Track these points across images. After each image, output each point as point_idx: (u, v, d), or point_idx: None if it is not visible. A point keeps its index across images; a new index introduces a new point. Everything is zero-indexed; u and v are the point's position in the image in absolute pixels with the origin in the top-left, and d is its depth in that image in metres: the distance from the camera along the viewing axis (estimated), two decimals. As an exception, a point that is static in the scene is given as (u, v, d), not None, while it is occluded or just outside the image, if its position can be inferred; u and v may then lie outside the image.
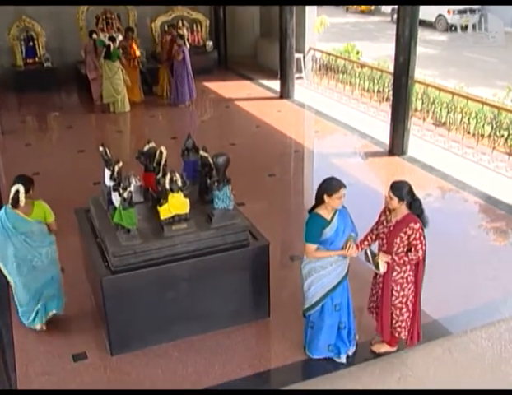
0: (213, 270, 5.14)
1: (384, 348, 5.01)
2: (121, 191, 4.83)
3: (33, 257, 5.10)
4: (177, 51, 12.20)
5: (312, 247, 4.58)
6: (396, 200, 4.47)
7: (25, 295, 5.22)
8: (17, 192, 4.93)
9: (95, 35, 12.72)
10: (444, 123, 10.41)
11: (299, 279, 4.84)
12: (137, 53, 13.03)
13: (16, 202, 4.95)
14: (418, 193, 4.61)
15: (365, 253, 4.69)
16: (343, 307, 4.82)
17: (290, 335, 5.25)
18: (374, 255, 4.63)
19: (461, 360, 4.98)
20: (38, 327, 5.38)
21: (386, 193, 4.57)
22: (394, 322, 4.80)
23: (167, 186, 4.88)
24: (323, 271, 4.63)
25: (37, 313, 5.30)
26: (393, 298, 4.71)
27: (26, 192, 4.98)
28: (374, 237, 4.78)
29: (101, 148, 5.47)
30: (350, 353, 4.98)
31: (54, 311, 5.39)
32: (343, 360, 4.93)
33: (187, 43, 12.70)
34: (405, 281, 4.66)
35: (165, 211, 4.95)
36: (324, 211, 4.54)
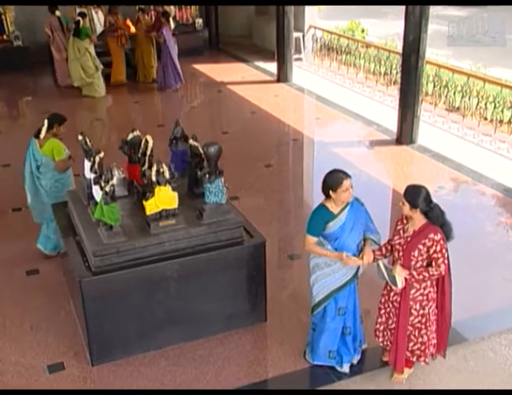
0: (204, 270, 5.14)
1: (405, 373, 4.82)
2: (103, 184, 4.82)
3: (35, 182, 6.29)
4: (157, 34, 12.17)
5: (311, 239, 4.60)
6: (407, 206, 4.32)
7: (36, 218, 6.46)
8: (43, 125, 6.15)
9: (58, 12, 12.64)
10: (459, 109, 10.44)
11: (298, 279, 4.86)
12: (132, 29, 12.99)
13: (37, 133, 6.20)
14: (429, 186, 4.53)
15: (377, 265, 4.56)
16: (349, 311, 4.82)
17: (289, 340, 5.26)
18: (389, 269, 4.48)
19: (478, 369, 5.00)
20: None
21: (400, 202, 4.42)
22: (412, 344, 4.65)
23: (153, 178, 4.87)
24: (326, 269, 4.64)
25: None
26: (412, 317, 4.56)
27: (49, 128, 6.16)
28: (390, 247, 4.64)
29: (80, 137, 5.45)
30: (354, 361, 4.99)
31: (40, 246, 6.46)
32: (346, 369, 4.93)
33: (172, 21, 12.59)
34: (425, 298, 4.50)
35: (151, 206, 4.95)
36: (332, 205, 4.57)
